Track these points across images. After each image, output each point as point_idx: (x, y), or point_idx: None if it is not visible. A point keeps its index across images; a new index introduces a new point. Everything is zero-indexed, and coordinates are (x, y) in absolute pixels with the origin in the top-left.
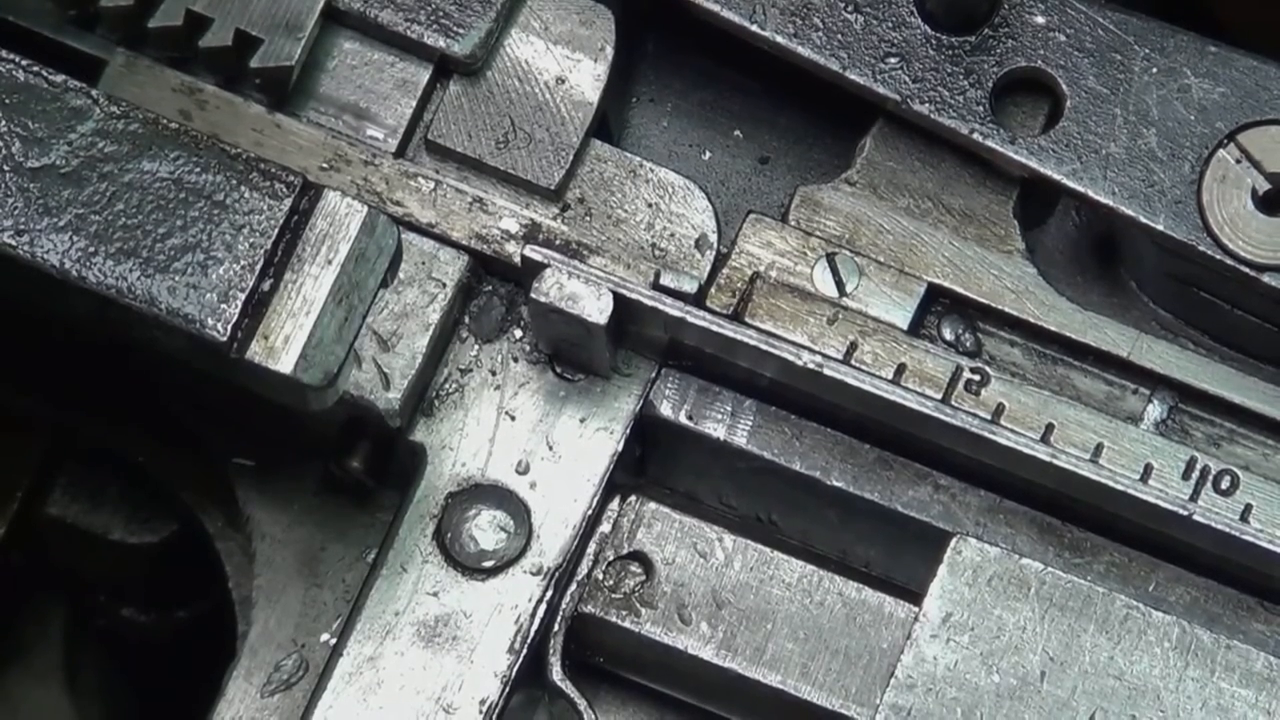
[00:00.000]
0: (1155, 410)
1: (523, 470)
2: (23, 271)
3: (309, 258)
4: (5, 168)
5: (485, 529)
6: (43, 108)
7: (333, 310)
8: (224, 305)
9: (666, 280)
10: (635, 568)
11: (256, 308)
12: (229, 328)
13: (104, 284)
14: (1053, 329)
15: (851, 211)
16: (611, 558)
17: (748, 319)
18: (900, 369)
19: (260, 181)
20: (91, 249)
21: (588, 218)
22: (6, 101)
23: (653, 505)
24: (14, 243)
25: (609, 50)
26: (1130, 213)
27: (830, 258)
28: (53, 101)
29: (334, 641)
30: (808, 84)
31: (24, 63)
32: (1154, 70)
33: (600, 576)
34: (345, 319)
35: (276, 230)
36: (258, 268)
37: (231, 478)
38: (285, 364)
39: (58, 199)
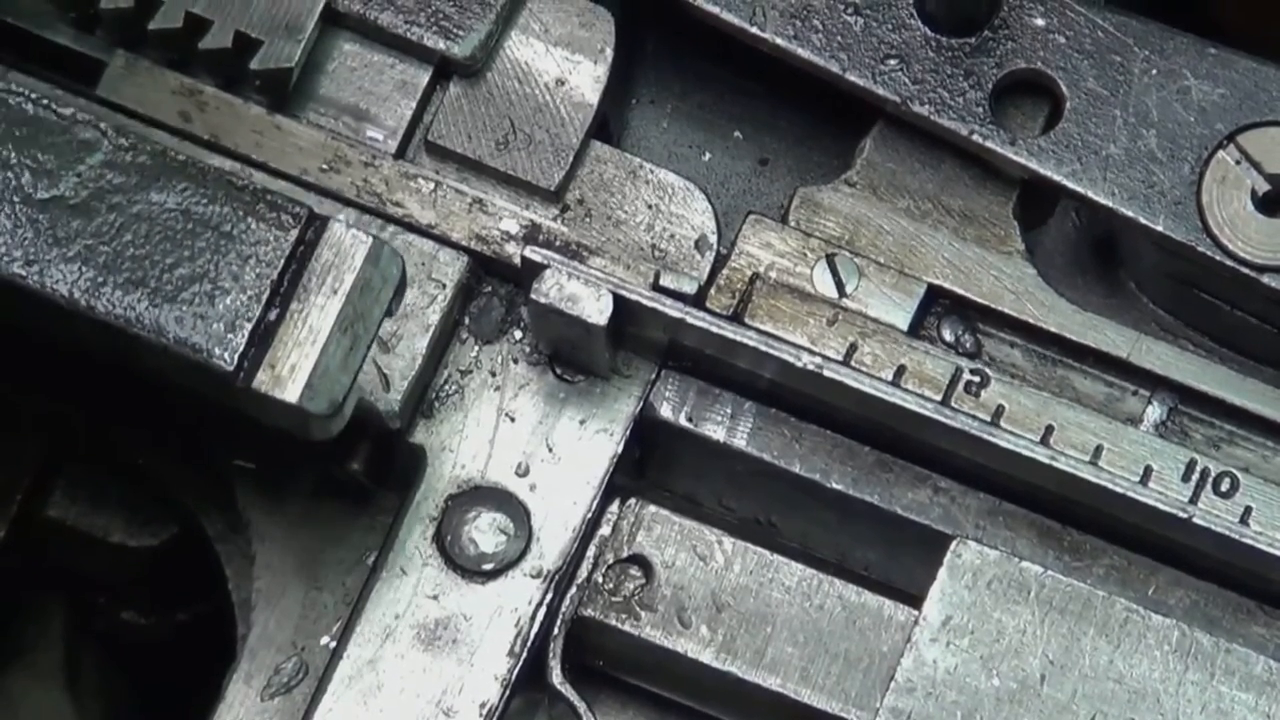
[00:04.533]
0: (1155, 412)
1: (522, 472)
2: (32, 301)
3: (315, 288)
4: (15, 199)
5: (485, 531)
6: (52, 140)
7: (338, 340)
8: (231, 335)
9: (666, 281)
10: (635, 571)
11: (263, 338)
12: (236, 357)
13: (112, 314)
14: (1052, 330)
15: (851, 213)
16: (611, 561)
17: (747, 320)
18: (900, 370)
19: (266, 212)
20: (100, 279)
21: (587, 219)
22: (16, 134)
23: (652, 508)
24: (24, 273)
25: (609, 52)
26: (1130, 214)
27: (830, 259)
28: (62, 134)
29: (334, 644)
30: (807, 85)
31: (34, 95)
32: (1154, 72)
33: (600, 580)
34: (350, 348)
35: (283, 261)
36: (264, 298)
37: (232, 480)
38: (291, 393)
39: (67, 230)
